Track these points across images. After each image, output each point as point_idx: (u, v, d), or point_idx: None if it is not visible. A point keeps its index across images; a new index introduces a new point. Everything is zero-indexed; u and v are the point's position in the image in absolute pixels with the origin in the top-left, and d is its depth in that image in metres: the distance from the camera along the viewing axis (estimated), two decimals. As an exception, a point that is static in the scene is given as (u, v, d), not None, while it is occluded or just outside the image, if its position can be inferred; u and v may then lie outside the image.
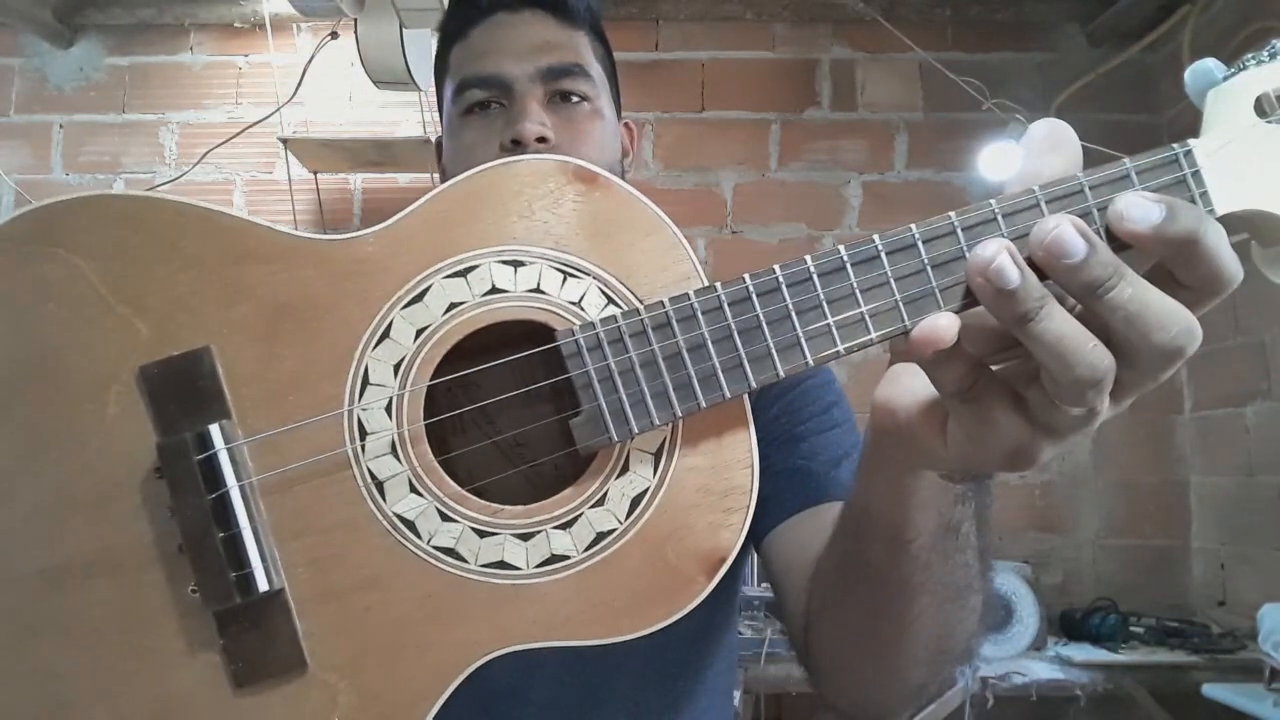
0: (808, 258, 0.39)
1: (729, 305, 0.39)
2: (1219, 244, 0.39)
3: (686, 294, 0.39)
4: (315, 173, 2.93)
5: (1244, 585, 2.59)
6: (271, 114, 2.83)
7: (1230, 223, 0.39)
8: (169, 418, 0.36)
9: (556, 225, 0.38)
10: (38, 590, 0.35)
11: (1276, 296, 2.46)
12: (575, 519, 0.36)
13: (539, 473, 0.37)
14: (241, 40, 3.06)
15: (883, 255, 0.39)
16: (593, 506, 0.36)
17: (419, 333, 0.37)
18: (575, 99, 0.83)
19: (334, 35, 2.74)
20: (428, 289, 0.37)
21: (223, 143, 2.90)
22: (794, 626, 0.68)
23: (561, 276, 0.37)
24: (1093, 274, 0.37)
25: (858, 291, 0.37)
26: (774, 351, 0.37)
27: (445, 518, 0.34)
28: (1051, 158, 0.42)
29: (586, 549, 0.35)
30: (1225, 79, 0.42)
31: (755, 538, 0.80)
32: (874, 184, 2.99)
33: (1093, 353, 0.37)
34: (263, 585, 0.34)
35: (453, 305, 0.37)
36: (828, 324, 0.37)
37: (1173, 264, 0.39)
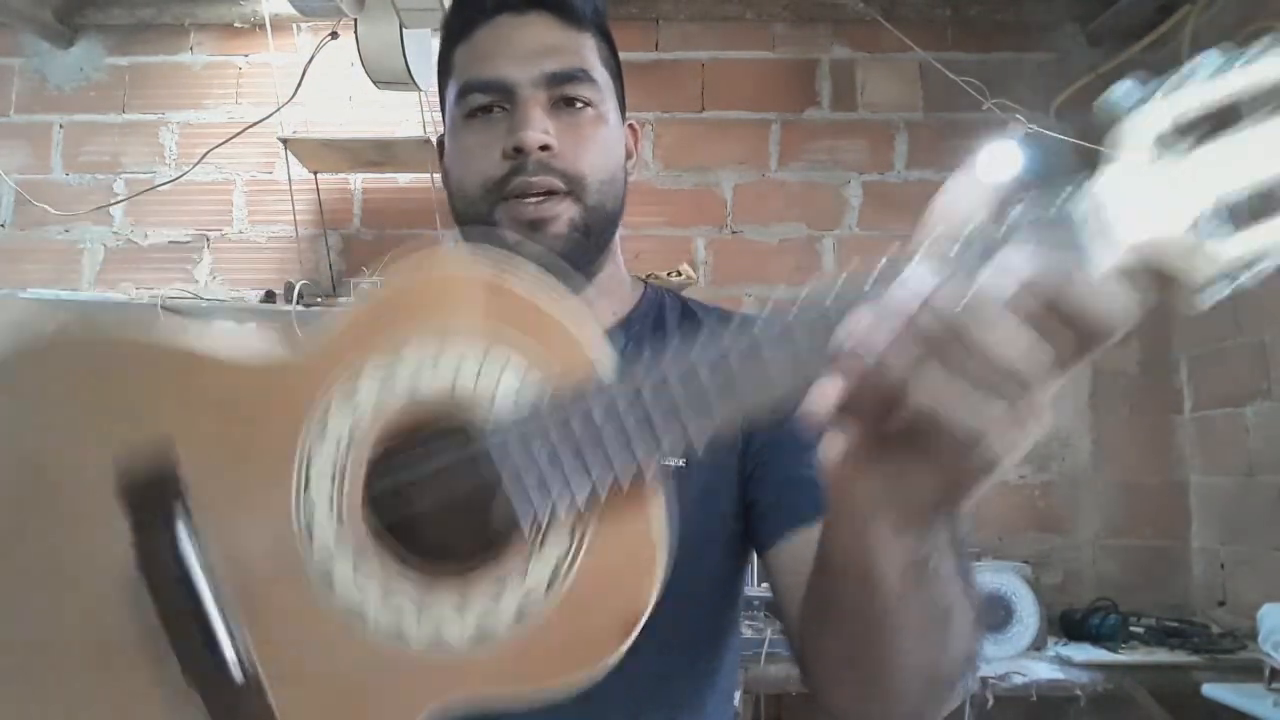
0: (692, 352, 0.42)
1: (622, 395, 0.40)
2: (1086, 299, 0.39)
3: (591, 381, 0.40)
4: (315, 173, 2.93)
5: (1244, 585, 2.58)
6: (271, 114, 2.82)
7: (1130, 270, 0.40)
8: (141, 511, 0.39)
9: (471, 323, 0.40)
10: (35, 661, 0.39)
11: (1277, 296, 2.46)
12: (502, 591, 0.39)
13: (471, 541, 0.40)
14: (241, 40, 3.06)
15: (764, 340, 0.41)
16: (516, 578, 0.39)
17: (351, 428, 0.39)
18: (579, 104, 0.82)
19: (334, 35, 2.74)
20: (358, 388, 0.39)
21: (223, 143, 2.90)
22: (791, 641, 0.72)
23: (478, 368, 0.39)
24: (898, 358, 0.39)
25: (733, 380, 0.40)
26: (664, 432, 0.40)
27: (386, 598, 0.38)
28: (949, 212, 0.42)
29: (513, 620, 0.39)
30: (1130, 110, 0.41)
31: (759, 547, 0.80)
32: (874, 184, 2.99)
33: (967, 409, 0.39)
34: (237, 676, 0.38)
35: (380, 401, 0.39)
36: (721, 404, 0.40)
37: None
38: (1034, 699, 2.20)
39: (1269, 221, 0.39)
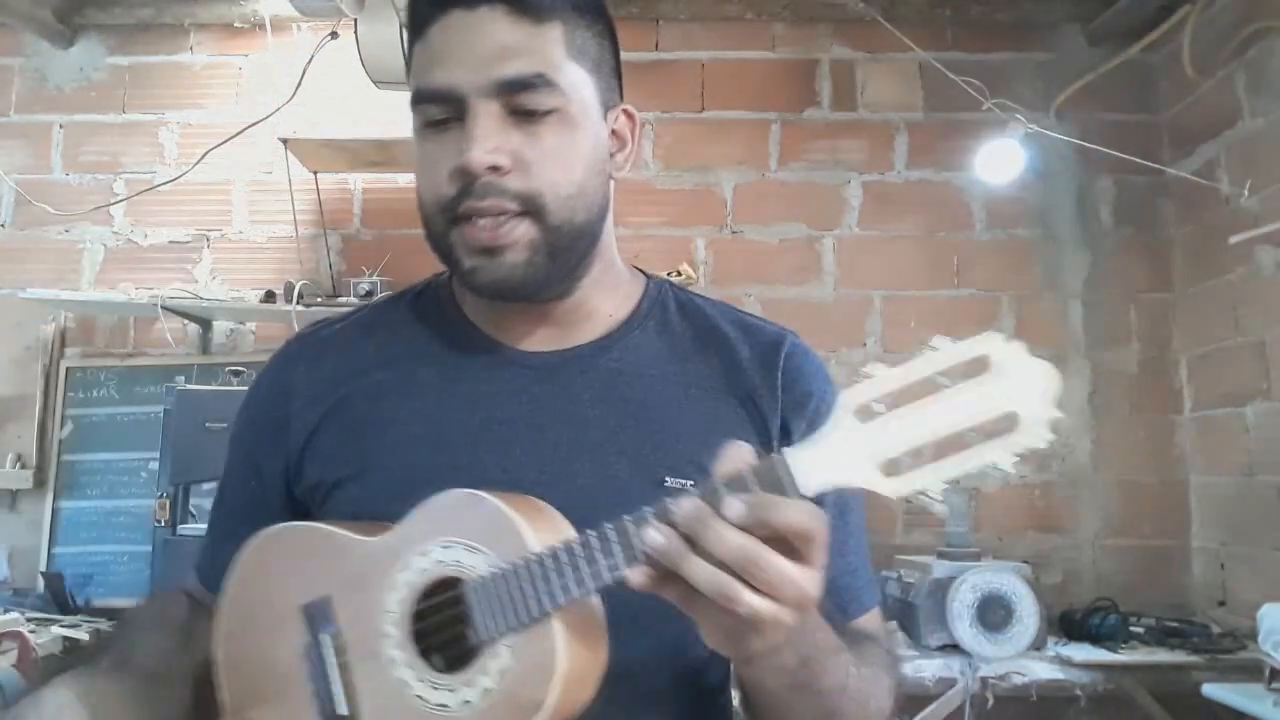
0: (576, 542, 0.64)
1: (534, 564, 0.64)
2: (781, 516, 0.57)
3: (525, 557, 0.65)
4: (315, 173, 2.93)
5: (1244, 585, 2.59)
6: (271, 114, 2.83)
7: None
8: (311, 624, 0.73)
9: (460, 526, 0.68)
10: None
11: (1277, 296, 2.47)
12: (473, 682, 0.65)
13: (465, 649, 0.67)
14: (241, 40, 3.06)
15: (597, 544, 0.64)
16: (482, 675, 0.65)
17: (409, 586, 0.69)
18: (540, 113, 0.74)
19: (334, 35, 2.74)
20: (411, 562, 0.70)
21: (223, 143, 2.90)
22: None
23: (467, 551, 0.67)
24: (668, 555, 0.59)
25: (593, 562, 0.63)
26: (576, 584, 0.63)
27: (421, 681, 0.68)
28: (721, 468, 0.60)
29: (480, 697, 0.65)
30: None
31: None
32: (874, 184, 2.99)
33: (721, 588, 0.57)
34: (343, 710, 0.71)
35: (422, 569, 0.69)
36: (611, 561, 0.62)
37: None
38: (1034, 699, 2.20)
39: (932, 465, 0.57)
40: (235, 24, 3.05)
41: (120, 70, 3.07)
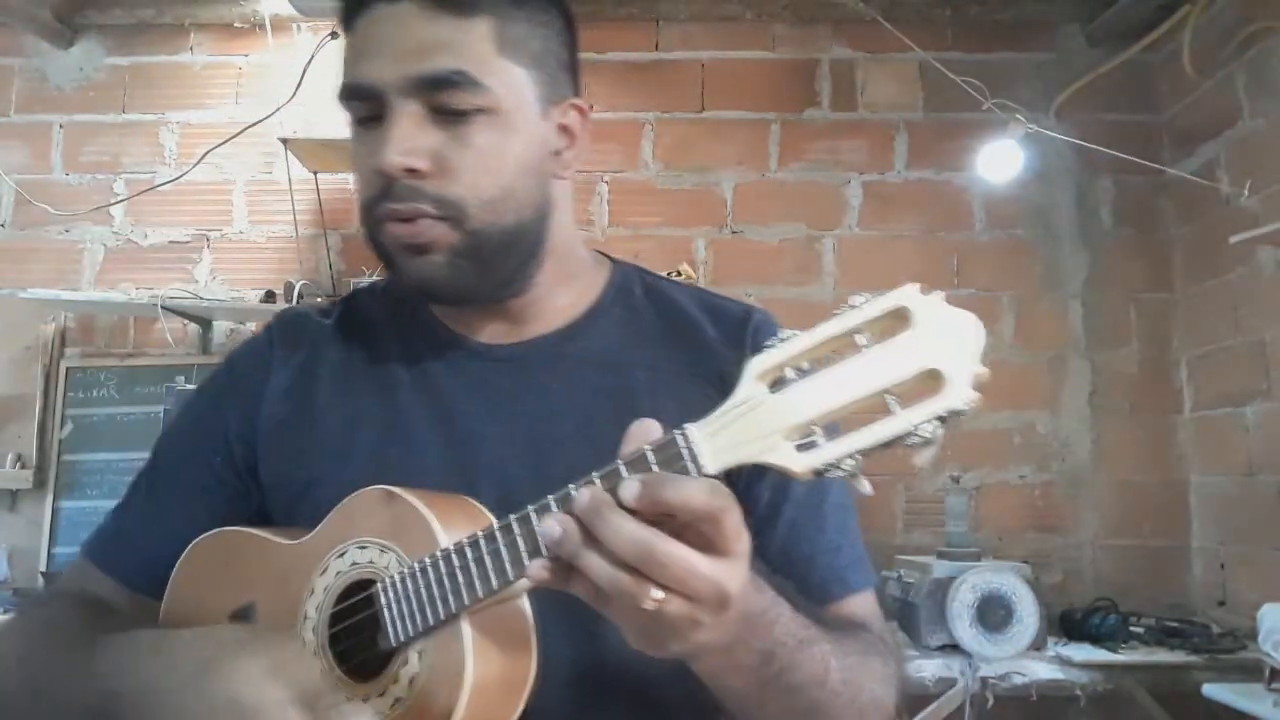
0: (479, 534, 0.60)
1: (440, 562, 0.61)
2: (677, 495, 0.51)
3: (434, 554, 0.62)
4: (315, 173, 2.93)
5: (1244, 585, 2.59)
6: (271, 114, 2.83)
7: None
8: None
9: (374, 525, 0.66)
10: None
11: (1277, 296, 2.46)
12: (384, 691, 0.63)
13: (373, 659, 0.65)
14: (241, 40, 3.06)
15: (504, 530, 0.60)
16: (393, 684, 0.63)
17: (325, 590, 0.67)
18: (464, 112, 0.71)
19: (334, 35, 2.74)
20: (329, 565, 0.68)
21: (223, 143, 2.91)
22: None
23: (380, 551, 0.65)
24: (564, 549, 0.54)
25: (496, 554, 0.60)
26: (479, 580, 0.59)
27: (337, 690, 0.64)
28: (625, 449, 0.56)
29: (391, 708, 0.62)
30: (752, 358, 0.55)
31: None
32: (874, 184, 2.99)
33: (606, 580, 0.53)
34: None
35: (338, 571, 0.67)
36: (514, 554, 0.58)
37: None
38: (1034, 699, 2.20)
39: (846, 436, 0.52)
40: (235, 24, 3.05)
41: (120, 70, 3.07)
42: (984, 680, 2.19)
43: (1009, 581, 2.24)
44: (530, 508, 0.57)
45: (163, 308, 2.77)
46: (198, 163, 2.92)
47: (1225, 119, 2.65)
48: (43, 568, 2.73)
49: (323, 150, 2.77)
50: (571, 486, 0.56)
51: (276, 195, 2.95)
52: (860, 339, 0.52)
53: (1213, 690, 2.06)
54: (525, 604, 0.63)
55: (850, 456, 0.51)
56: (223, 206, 3.01)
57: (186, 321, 2.93)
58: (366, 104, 0.73)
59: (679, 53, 3.05)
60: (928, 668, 2.21)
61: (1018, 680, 2.20)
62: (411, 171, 0.71)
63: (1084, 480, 2.87)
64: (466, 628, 0.60)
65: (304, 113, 2.85)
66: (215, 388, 0.85)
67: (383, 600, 0.62)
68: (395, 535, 0.64)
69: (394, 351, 0.82)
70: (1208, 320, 2.76)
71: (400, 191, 0.71)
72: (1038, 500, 2.86)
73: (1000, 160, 2.77)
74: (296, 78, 2.77)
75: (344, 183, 3.01)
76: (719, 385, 0.79)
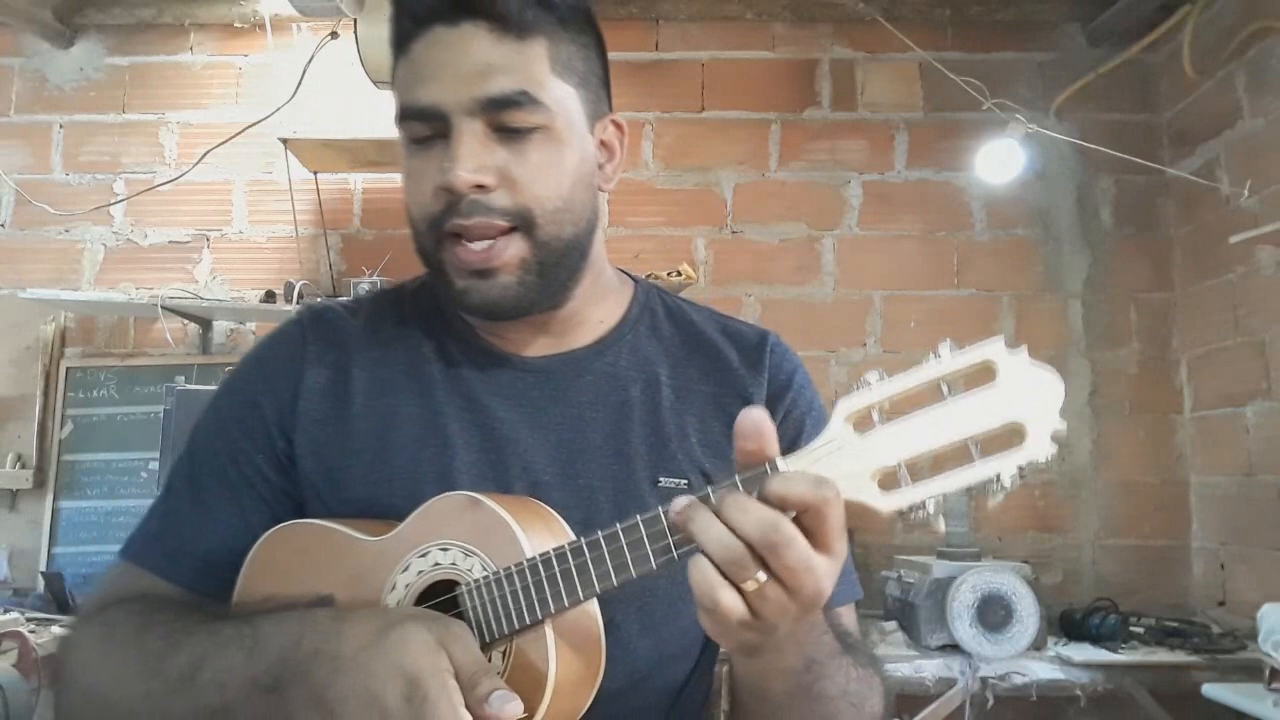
0: (581, 542, 0.63)
1: (528, 571, 0.64)
2: (792, 490, 0.54)
3: (520, 562, 0.65)
4: (315, 173, 2.93)
5: (1244, 585, 2.59)
6: (271, 114, 2.83)
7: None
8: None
9: (458, 529, 0.69)
10: None
11: (1277, 296, 2.46)
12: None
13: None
14: (241, 40, 3.06)
15: (626, 533, 0.62)
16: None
17: (407, 588, 0.70)
18: (525, 130, 0.74)
19: (334, 35, 2.75)
20: (410, 564, 0.70)
21: (223, 143, 2.91)
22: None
23: (464, 555, 0.68)
24: (689, 516, 0.56)
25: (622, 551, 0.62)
26: (567, 592, 0.63)
27: None
28: (746, 444, 0.57)
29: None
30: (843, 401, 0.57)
31: None
32: (874, 184, 2.99)
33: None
34: None
35: (420, 570, 0.69)
36: (602, 569, 0.62)
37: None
38: (1034, 699, 2.20)
39: (929, 480, 0.55)
40: (235, 24, 3.05)
41: (120, 70, 3.07)
42: (984, 680, 2.19)
43: (1009, 581, 2.24)
44: (619, 525, 0.61)
45: (163, 308, 2.77)
46: (197, 163, 2.92)
47: (1225, 119, 2.65)
48: (43, 568, 2.73)
49: (323, 150, 2.77)
50: (661, 509, 0.59)
51: (276, 195, 2.95)
52: (944, 388, 0.55)
53: (1213, 690, 2.06)
54: (595, 606, 0.67)
55: (934, 499, 0.55)
56: (223, 206, 3.01)
57: (186, 321, 2.93)
58: (428, 124, 0.75)
59: (679, 52, 3.06)
60: (928, 668, 2.21)
61: (1018, 680, 2.20)
62: (480, 188, 0.73)
63: (1084, 480, 2.87)
64: (550, 633, 0.64)
65: (304, 113, 2.85)
66: (248, 384, 0.85)
67: (469, 602, 0.66)
68: (479, 540, 0.67)
69: (428, 353, 0.83)
70: (1208, 320, 2.76)
71: (468, 207, 0.73)
72: (1038, 500, 2.86)
73: (1000, 160, 2.77)
74: (296, 78, 2.77)
75: (344, 183, 3.01)
76: (739, 405, 0.81)
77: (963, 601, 2.23)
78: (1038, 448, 0.53)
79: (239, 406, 0.83)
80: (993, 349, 0.55)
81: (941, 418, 0.54)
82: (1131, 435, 2.87)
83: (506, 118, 0.73)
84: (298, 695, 0.61)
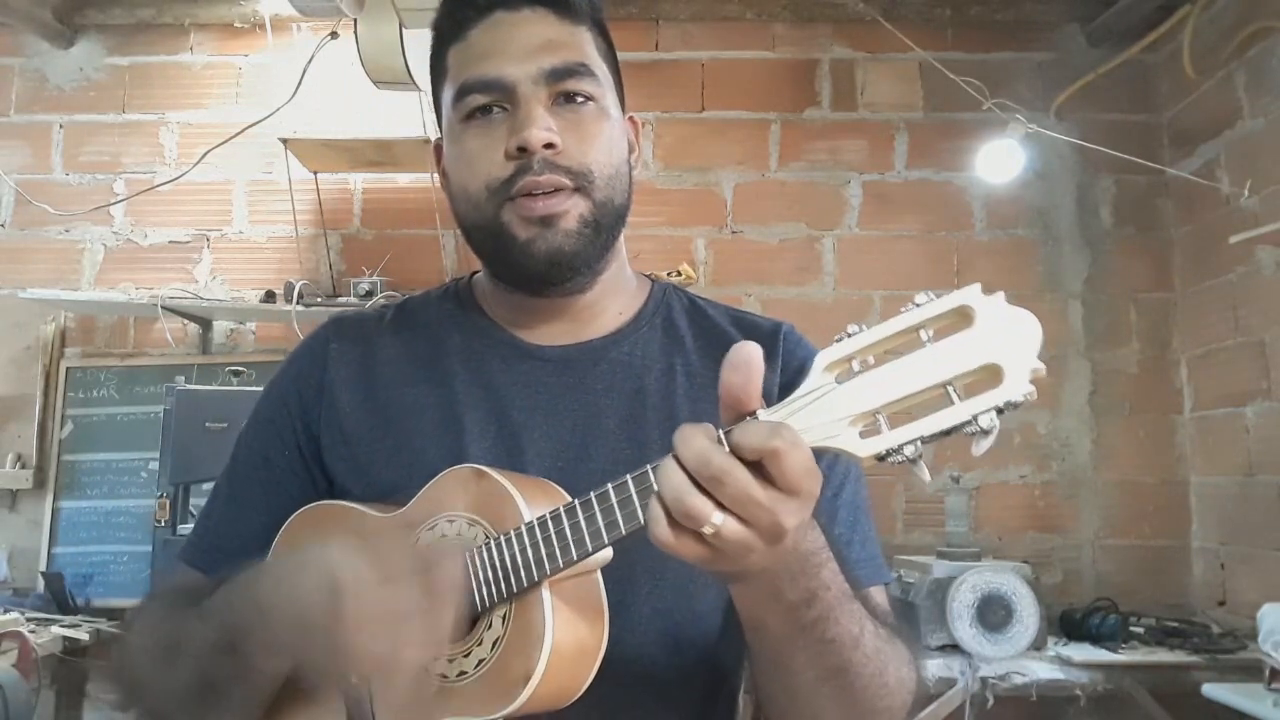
0: (560, 509, 0.65)
1: (525, 534, 0.66)
2: (748, 437, 0.55)
3: (519, 527, 0.67)
4: (315, 173, 2.93)
5: (1244, 585, 2.59)
6: (271, 114, 2.83)
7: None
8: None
9: (464, 501, 0.71)
10: None
11: (1277, 296, 2.47)
12: (469, 653, 0.67)
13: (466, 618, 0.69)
14: (241, 40, 3.06)
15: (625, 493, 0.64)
16: (477, 645, 0.67)
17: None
18: (581, 99, 0.81)
19: (334, 35, 2.74)
20: (419, 538, 0.72)
21: (223, 143, 2.91)
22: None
23: (468, 524, 0.70)
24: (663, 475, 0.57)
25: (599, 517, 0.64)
26: (561, 551, 0.64)
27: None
28: (732, 375, 0.58)
29: (474, 668, 0.67)
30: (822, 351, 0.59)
31: None
32: (874, 184, 2.99)
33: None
34: (354, 677, 0.69)
35: (428, 542, 0.71)
36: (594, 527, 0.63)
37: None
38: (1034, 699, 2.20)
39: (911, 424, 0.55)
40: (235, 24, 3.05)
41: (120, 70, 3.07)
42: (984, 680, 2.19)
43: (1009, 581, 2.24)
44: (610, 484, 0.62)
45: (163, 308, 2.77)
46: (197, 163, 2.92)
47: (1225, 119, 2.65)
48: (43, 568, 2.73)
49: (323, 150, 2.77)
50: (649, 466, 0.60)
51: (276, 195, 2.95)
52: (923, 335, 0.55)
53: (1213, 690, 2.06)
54: (599, 578, 0.68)
55: (911, 443, 0.54)
56: (223, 206, 3.01)
57: (186, 321, 2.93)
58: (491, 95, 0.80)
59: (679, 52, 3.06)
60: (928, 668, 2.21)
61: (1018, 680, 2.20)
62: (550, 146, 0.78)
63: (1084, 480, 2.87)
64: (547, 595, 0.65)
65: (304, 113, 2.85)
66: (279, 387, 0.90)
67: (471, 569, 0.67)
68: (482, 510, 0.69)
69: (450, 347, 0.88)
70: (1208, 320, 2.76)
71: (540, 166, 0.78)
72: (1038, 500, 2.86)
73: (1000, 160, 2.77)
74: (296, 78, 2.77)
75: (344, 183, 3.01)
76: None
77: (963, 601, 2.23)
78: (1015, 388, 0.52)
79: (271, 408, 0.89)
80: (968, 294, 0.55)
81: (920, 362, 0.54)
82: (1131, 435, 2.87)
83: (569, 85, 0.80)
84: (250, 646, 0.66)
